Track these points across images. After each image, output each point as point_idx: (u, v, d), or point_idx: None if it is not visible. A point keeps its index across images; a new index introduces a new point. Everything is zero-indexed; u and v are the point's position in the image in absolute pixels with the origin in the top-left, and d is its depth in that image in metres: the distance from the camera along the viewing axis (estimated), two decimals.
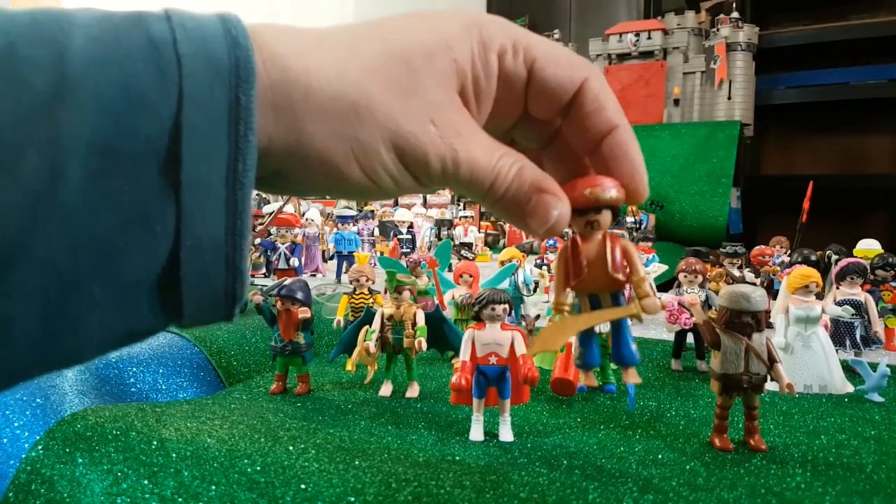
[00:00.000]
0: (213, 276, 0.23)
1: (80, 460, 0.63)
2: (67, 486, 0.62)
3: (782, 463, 0.60)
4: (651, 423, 0.72)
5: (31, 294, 0.20)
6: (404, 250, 2.10)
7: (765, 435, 0.66)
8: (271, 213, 2.01)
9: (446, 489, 0.54)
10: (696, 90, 3.83)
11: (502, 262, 1.17)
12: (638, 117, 3.84)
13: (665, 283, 1.57)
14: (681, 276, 0.99)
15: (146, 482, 0.59)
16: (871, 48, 3.63)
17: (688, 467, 0.59)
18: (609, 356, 0.92)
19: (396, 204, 3.17)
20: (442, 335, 0.88)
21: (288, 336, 0.85)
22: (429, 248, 2.22)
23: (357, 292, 1.05)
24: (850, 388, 0.83)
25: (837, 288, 1.00)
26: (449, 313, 1.06)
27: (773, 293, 1.25)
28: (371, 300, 1.03)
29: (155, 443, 0.63)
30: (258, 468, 0.59)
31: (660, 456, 0.62)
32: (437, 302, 1.12)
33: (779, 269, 1.35)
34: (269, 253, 1.87)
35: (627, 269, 0.33)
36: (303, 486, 0.55)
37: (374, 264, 1.78)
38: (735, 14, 3.73)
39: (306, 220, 2.02)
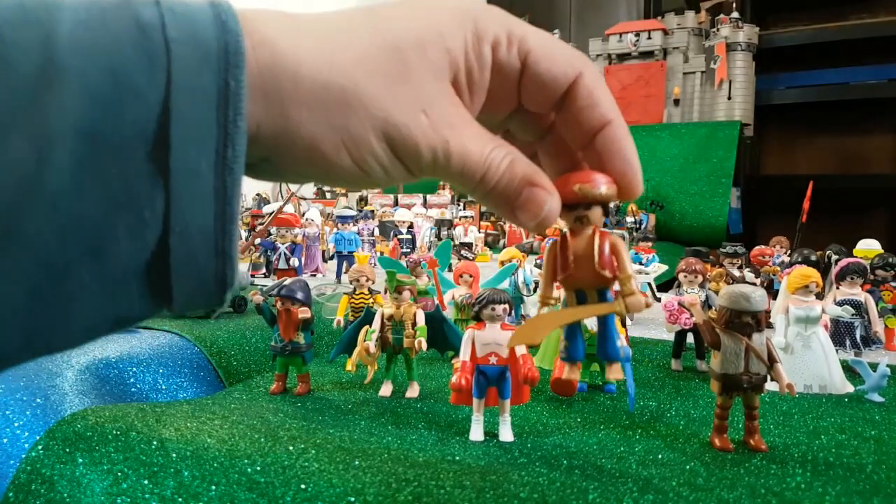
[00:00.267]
0: (202, 262, 0.23)
1: (80, 460, 0.63)
2: (67, 486, 0.62)
3: (782, 463, 0.60)
4: (651, 423, 0.72)
5: (19, 279, 0.20)
6: (404, 250, 2.10)
7: (765, 435, 0.66)
8: (271, 213, 2.01)
9: (446, 489, 0.54)
10: (696, 90, 3.83)
11: (502, 263, 1.17)
12: (638, 117, 3.84)
13: (665, 283, 1.57)
14: (681, 276, 0.99)
15: (146, 482, 0.59)
16: (871, 48, 3.63)
17: (688, 467, 0.59)
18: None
19: (396, 204, 3.17)
20: (442, 335, 0.88)
21: (288, 336, 0.85)
22: (429, 248, 2.22)
23: (357, 292, 1.05)
24: (850, 388, 0.83)
25: (837, 288, 1.00)
26: (449, 313, 1.06)
27: (773, 293, 1.25)
28: (371, 300, 1.03)
29: (155, 443, 0.63)
30: (258, 468, 0.59)
31: (660, 456, 0.62)
32: (437, 302, 1.12)
33: (779, 269, 1.35)
34: (269, 253, 1.87)
35: (616, 266, 0.32)
36: (303, 486, 0.55)
37: (374, 264, 1.78)
38: (735, 14, 3.73)
39: (306, 220, 2.02)
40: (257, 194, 3.62)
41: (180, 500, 0.57)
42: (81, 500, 0.60)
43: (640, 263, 1.45)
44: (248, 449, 0.62)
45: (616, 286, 0.33)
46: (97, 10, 0.21)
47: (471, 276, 1.11)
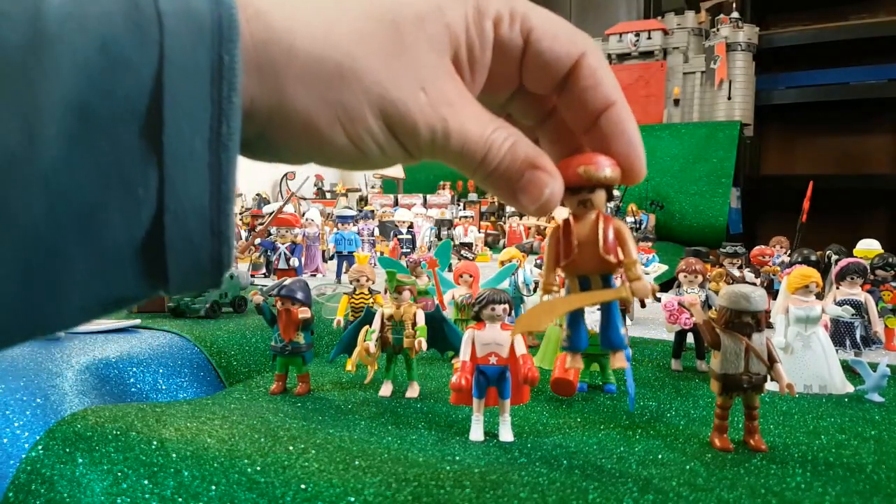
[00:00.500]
0: (197, 242, 0.22)
1: (80, 460, 0.63)
2: (67, 486, 0.62)
3: (782, 463, 0.60)
4: (651, 423, 0.72)
5: (10, 258, 0.20)
6: (404, 250, 2.10)
7: (765, 435, 0.66)
8: (271, 213, 2.01)
9: (446, 489, 0.54)
10: (696, 90, 3.83)
11: (502, 262, 1.17)
12: (638, 117, 3.78)
13: (665, 283, 1.57)
14: (681, 276, 0.99)
15: (146, 482, 0.59)
16: (871, 48, 3.64)
17: (688, 467, 0.59)
18: (607, 355, 0.92)
19: (396, 204, 3.17)
20: (442, 335, 0.88)
21: (288, 336, 0.85)
22: (429, 248, 2.22)
23: (357, 292, 1.05)
24: (850, 388, 0.83)
25: (837, 288, 1.00)
26: (449, 313, 1.06)
27: (773, 293, 1.25)
28: (371, 300, 1.03)
29: (155, 443, 0.63)
30: (258, 468, 0.59)
31: (660, 456, 0.62)
32: (437, 302, 1.12)
33: (779, 269, 1.35)
34: (269, 253, 1.87)
35: (620, 252, 0.31)
36: (303, 486, 0.55)
37: (374, 264, 1.78)
38: (735, 14, 3.73)
39: (306, 220, 2.02)
40: (257, 194, 3.62)
41: (180, 500, 0.57)
42: (81, 500, 0.60)
43: (641, 263, 1.45)
44: (248, 449, 0.62)
45: (621, 272, 0.32)
46: None
47: (471, 276, 1.11)
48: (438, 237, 2.46)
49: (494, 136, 0.27)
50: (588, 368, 0.87)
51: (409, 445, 0.66)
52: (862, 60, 3.70)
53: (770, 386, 0.64)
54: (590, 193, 0.30)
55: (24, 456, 0.65)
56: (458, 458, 0.62)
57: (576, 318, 0.34)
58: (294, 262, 1.81)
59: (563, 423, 0.74)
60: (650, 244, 1.57)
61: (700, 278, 0.98)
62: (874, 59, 3.65)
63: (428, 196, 3.29)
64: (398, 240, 2.16)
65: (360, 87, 0.25)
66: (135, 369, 0.90)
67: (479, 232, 2.58)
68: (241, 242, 1.98)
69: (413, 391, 0.85)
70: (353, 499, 0.53)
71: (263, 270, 1.89)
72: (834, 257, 1.30)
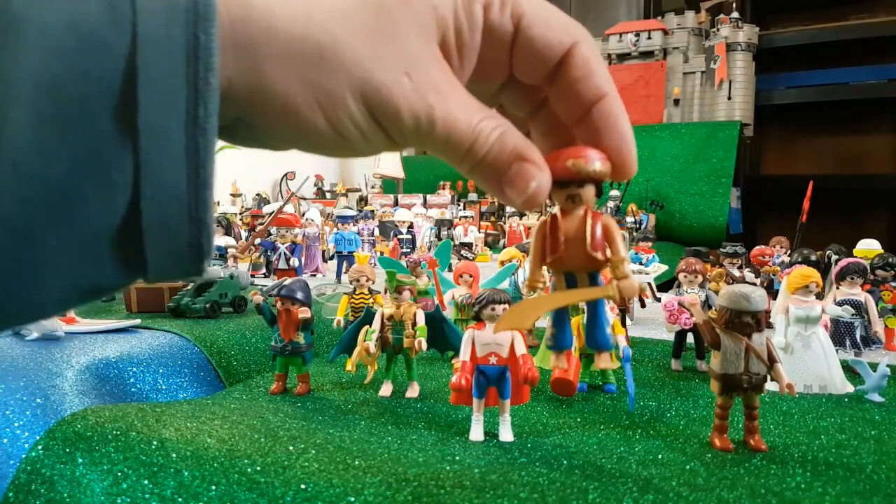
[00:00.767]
0: (175, 228, 0.22)
1: (80, 460, 0.63)
2: (67, 486, 0.62)
3: (782, 463, 0.60)
4: (651, 423, 0.72)
5: None
6: (404, 250, 2.10)
7: (765, 435, 0.66)
8: (271, 213, 2.01)
9: (446, 489, 0.54)
10: (696, 90, 3.83)
11: (502, 262, 1.17)
12: (638, 117, 3.84)
13: (665, 283, 1.57)
14: (681, 276, 0.99)
15: (146, 482, 0.59)
16: (871, 48, 3.64)
17: (688, 467, 0.59)
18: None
19: (396, 204, 3.17)
20: (442, 335, 0.88)
21: (288, 336, 0.85)
22: (429, 248, 2.23)
23: (357, 292, 1.05)
24: (850, 388, 0.83)
25: (837, 288, 1.00)
26: (449, 313, 1.06)
27: (773, 293, 1.25)
28: (371, 300, 1.03)
29: (155, 443, 0.63)
30: (258, 468, 0.59)
31: (660, 456, 0.62)
32: (437, 302, 1.12)
33: (779, 269, 1.35)
34: (269, 253, 1.87)
35: (608, 249, 0.30)
36: (303, 486, 0.55)
37: (374, 264, 1.78)
38: (735, 14, 3.73)
39: (306, 220, 2.02)
40: (257, 194, 3.63)
41: (180, 500, 0.57)
42: (81, 500, 0.60)
43: (641, 263, 1.45)
44: (248, 449, 0.62)
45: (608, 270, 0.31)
46: None
47: (471, 276, 1.11)
48: (438, 237, 2.46)
49: (482, 125, 0.26)
50: (588, 368, 0.87)
51: (409, 445, 0.66)
52: (862, 60, 3.70)
53: (770, 386, 0.64)
54: (578, 188, 0.29)
55: (24, 456, 0.65)
56: (458, 458, 0.62)
57: (561, 316, 0.33)
58: (294, 262, 1.81)
59: (563, 423, 0.74)
60: (650, 244, 1.57)
61: (700, 278, 0.98)
62: (874, 59, 3.65)
63: (428, 196, 3.29)
64: (398, 240, 2.16)
65: (342, 68, 0.24)
66: (135, 369, 0.90)
67: (479, 232, 2.58)
68: (241, 242, 1.98)
69: (413, 391, 0.85)
70: (353, 499, 0.53)
71: (263, 270, 1.89)
72: (834, 257, 1.30)
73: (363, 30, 0.24)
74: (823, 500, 0.52)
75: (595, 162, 0.28)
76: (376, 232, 2.25)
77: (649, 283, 1.48)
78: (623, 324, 0.93)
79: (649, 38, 3.85)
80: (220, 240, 1.71)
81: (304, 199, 3.72)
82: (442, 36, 0.26)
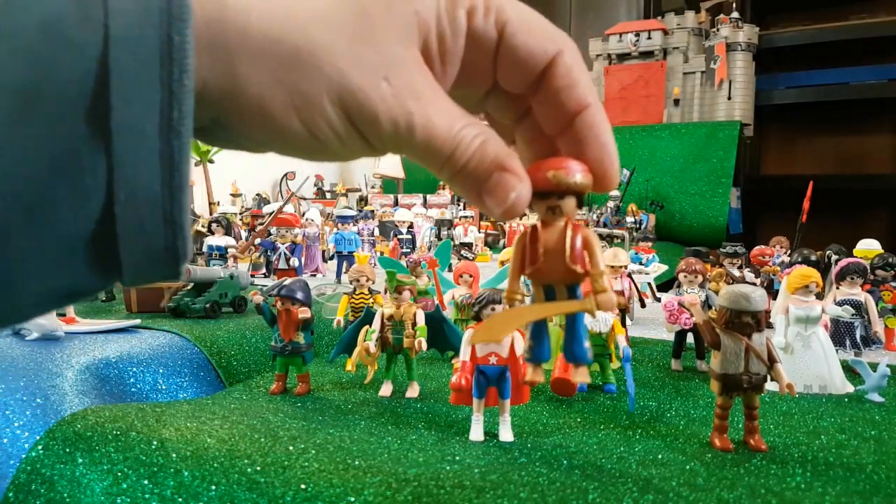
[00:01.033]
0: (150, 230, 0.21)
1: (80, 460, 0.63)
2: (67, 486, 0.62)
3: (782, 463, 0.60)
4: (651, 423, 0.72)
5: None
6: (404, 250, 2.10)
7: (765, 435, 0.66)
8: (271, 213, 2.01)
9: (446, 489, 0.54)
10: (696, 90, 3.83)
11: (502, 262, 1.17)
12: (638, 117, 3.85)
13: (665, 283, 1.57)
14: (681, 276, 0.99)
15: (146, 482, 0.59)
16: (871, 48, 3.64)
17: (688, 467, 0.59)
18: (607, 355, 0.92)
19: (396, 204, 3.17)
20: (442, 335, 0.88)
21: (288, 336, 0.85)
22: (429, 248, 2.23)
23: (357, 292, 1.05)
24: (850, 388, 0.83)
25: (837, 288, 1.00)
26: (449, 313, 1.06)
27: (773, 293, 1.25)
28: (371, 300, 1.03)
29: (155, 443, 0.63)
30: (258, 468, 0.59)
31: (660, 456, 0.62)
32: (437, 302, 1.12)
33: (779, 269, 1.35)
34: (269, 253, 1.87)
35: (587, 261, 0.30)
36: (303, 486, 0.55)
37: (374, 264, 1.78)
38: (735, 14, 3.73)
39: (306, 220, 2.02)
40: (257, 194, 3.62)
41: (180, 500, 0.57)
42: (81, 500, 0.60)
43: (641, 263, 1.45)
44: (248, 449, 0.62)
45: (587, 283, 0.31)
46: None
47: (471, 276, 1.11)
48: (438, 237, 2.46)
49: (463, 133, 0.26)
50: (588, 368, 0.87)
51: (409, 445, 0.66)
52: (862, 60, 3.70)
53: (770, 386, 0.64)
54: (559, 199, 0.29)
55: (24, 456, 0.65)
56: (458, 458, 0.62)
57: (539, 329, 0.32)
58: (294, 262, 1.81)
59: (563, 423, 0.74)
60: (650, 244, 1.57)
61: (700, 278, 0.98)
62: (874, 59, 3.65)
63: (428, 196, 3.29)
64: (398, 240, 2.16)
65: (318, 71, 0.24)
66: (135, 369, 0.90)
67: (479, 232, 2.58)
68: (241, 242, 1.98)
69: (413, 391, 0.85)
70: (353, 499, 0.53)
71: (263, 270, 1.89)
72: (834, 257, 1.30)
73: (342, 32, 0.24)
74: (823, 500, 0.52)
75: (576, 174, 0.28)
76: (376, 232, 2.25)
77: (649, 283, 1.48)
78: (623, 324, 0.93)
79: (649, 38, 3.85)
80: (220, 240, 1.72)
81: (304, 199, 3.72)
82: (424, 41, 0.25)
